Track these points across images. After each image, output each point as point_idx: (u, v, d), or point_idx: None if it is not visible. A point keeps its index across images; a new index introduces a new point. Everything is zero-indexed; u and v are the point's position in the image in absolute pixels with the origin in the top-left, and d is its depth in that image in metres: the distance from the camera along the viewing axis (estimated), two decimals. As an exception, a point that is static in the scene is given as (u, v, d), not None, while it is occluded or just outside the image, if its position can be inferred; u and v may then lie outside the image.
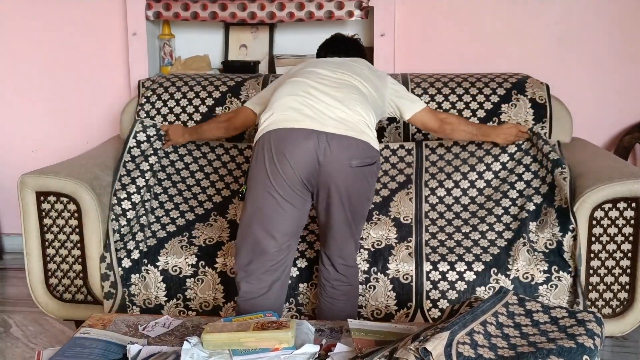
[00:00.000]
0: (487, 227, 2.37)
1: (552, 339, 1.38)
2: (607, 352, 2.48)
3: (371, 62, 3.07)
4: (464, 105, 2.75)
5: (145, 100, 2.87)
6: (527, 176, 2.48)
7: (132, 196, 2.45)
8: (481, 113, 2.74)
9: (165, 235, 2.41)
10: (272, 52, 3.28)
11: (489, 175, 2.54)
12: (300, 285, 2.28)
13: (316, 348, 1.47)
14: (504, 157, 2.55)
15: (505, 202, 2.45)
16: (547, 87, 2.76)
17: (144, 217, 2.44)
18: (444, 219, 2.46)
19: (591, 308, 2.24)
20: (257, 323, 1.50)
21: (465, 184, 2.55)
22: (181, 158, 2.71)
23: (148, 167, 2.55)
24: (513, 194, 2.46)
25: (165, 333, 1.71)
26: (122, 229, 2.36)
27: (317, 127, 1.94)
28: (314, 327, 1.70)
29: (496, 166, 2.55)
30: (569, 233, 2.19)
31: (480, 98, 2.76)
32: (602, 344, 1.42)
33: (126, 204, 2.42)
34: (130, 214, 2.41)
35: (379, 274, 2.25)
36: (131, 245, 2.34)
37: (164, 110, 2.84)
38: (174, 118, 2.84)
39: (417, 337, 1.38)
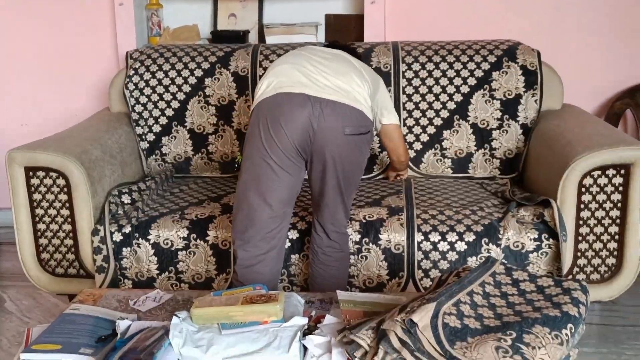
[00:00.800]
0: (477, 208, 2.37)
1: (538, 308, 1.40)
2: (596, 316, 2.51)
3: (361, 31, 3.07)
4: (454, 73, 2.74)
5: (133, 72, 2.84)
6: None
7: (133, 193, 2.51)
8: (472, 81, 2.73)
9: (158, 214, 2.41)
10: (261, 21, 3.24)
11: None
12: (292, 256, 2.29)
13: (305, 320, 1.48)
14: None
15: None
16: (539, 53, 2.74)
17: (140, 202, 2.47)
18: (433, 200, 2.47)
19: (580, 274, 2.26)
20: (245, 297, 1.51)
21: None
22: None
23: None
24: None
25: (156, 307, 1.72)
26: (117, 212, 2.39)
27: (312, 93, 1.94)
28: (304, 298, 1.72)
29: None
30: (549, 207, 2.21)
31: (471, 65, 2.74)
32: (586, 311, 1.44)
33: (126, 198, 2.48)
34: (126, 199, 2.47)
35: (370, 244, 2.26)
36: (123, 220, 2.35)
37: (153, 82, 2.82)
38: (163, 90, 2.81)
39: (404, 309, 1.39)
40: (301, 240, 2.29)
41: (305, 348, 1.43)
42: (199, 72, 2.81)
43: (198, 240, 2.31)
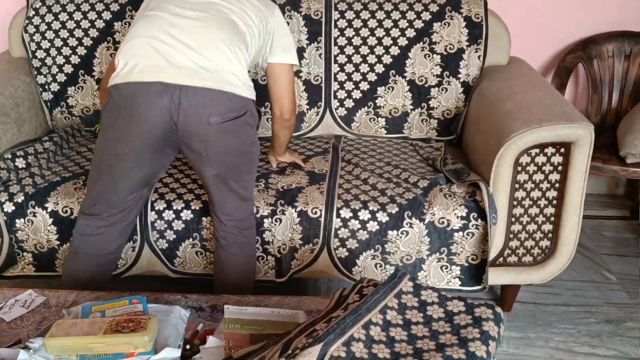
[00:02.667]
0: (405, 177, 2.17)
1: (441, 346, 1.23)
2: (527, 292, 2.39)
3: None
4: (392, 24, 2.47)
5: (33, 12, 2.51)
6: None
7: (29, 157, 2.23)
8: (410, 32, 2.47)
9: (59, 179, 2.15)
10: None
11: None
12: (204, 219, 2.06)
13: (177, 353, 1.29)
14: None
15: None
16: (485, 2, 2.48)
17: (37, 167, 2.20)
18: (359, 167, 2.26)
19: (511, 256, 2.10)
20: (111, 323, 1.30)
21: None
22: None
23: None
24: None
25: (23, 315, 1.51)
26: (9, 179, 2.13)
27: (169, 80, 1.68)
28: (193, 305, 1.53)
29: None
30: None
31: (411, 15, 2.47)
32: (498, 346, 1.27)
33: (20, 162, 2.20)
34: (20, 163, 2.20)
35: (286, 206, 2.05)
36: (15, 188, 2.10)
37: (55, 25, 2.50)
38: (67, 35, 2.50)
39: (288, 346, 1.21)
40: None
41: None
42: (107, 15, 2.49)
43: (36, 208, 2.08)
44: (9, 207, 2.07)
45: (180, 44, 1.73)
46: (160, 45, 1.73)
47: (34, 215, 2.08)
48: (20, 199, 2.07)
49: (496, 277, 2.13)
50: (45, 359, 1.26)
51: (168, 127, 1.72)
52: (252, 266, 2.00)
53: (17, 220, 2.08)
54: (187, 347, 1.37)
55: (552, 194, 2.03)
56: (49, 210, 2.08)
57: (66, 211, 2.07)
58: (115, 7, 2.50)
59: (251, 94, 1.83)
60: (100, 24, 2.50)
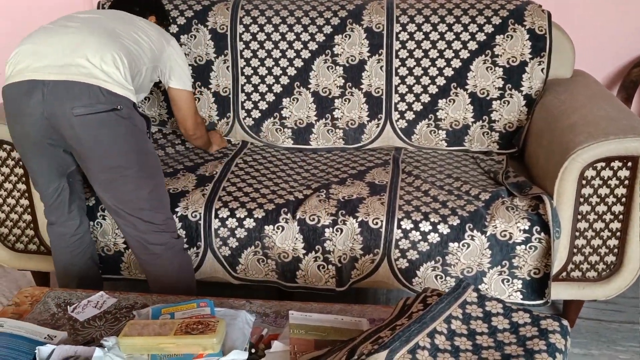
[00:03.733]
0: (466, 189, 2.17)
1: (507, 356, 1.22)
2: (590, 309, 2.34)
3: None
4: (454, 36, 2.48)
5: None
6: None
7: None
8: (473, 45, 2.47)
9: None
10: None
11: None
12: (266, 227, 2.07)
13: (244, 355, 1.32)
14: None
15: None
16: (549, 15, 2.46)
17: None
18: (420, 179, 2.26)
19: (575, 271, 2.07)
20: (181, 324, 1.34)
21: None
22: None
23: None
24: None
25: (95, 316, 1.57)
26: None
27: (37, 77, 1.76)
28: (258, 311, 1.56)
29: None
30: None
31: (473, 28, 2.47)
32: (564, 359, 1.26)
33: None
34: None
35: (347, 216, 2.07)
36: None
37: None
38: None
39: (354, 352, 1.22)
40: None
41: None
42: (173, 29, 2.57)
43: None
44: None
45: (53, 45, 1.81)
46: (35, 48, 1.82)
47: (104, 219, 2.15)
48: (91, 202, 2.15)
49: (559, 291, 2.09)
50: (119, 357, 1.31)
51: (42, 122, 1.78)
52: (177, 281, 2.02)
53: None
54: (253, 350, 1.40)
55: (618, 208, 1.99)
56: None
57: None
58: (181, 20, 2.58)
59: (127, 94, 1.84)
60: (168, 37, 2.58)
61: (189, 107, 2.23)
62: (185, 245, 2.09)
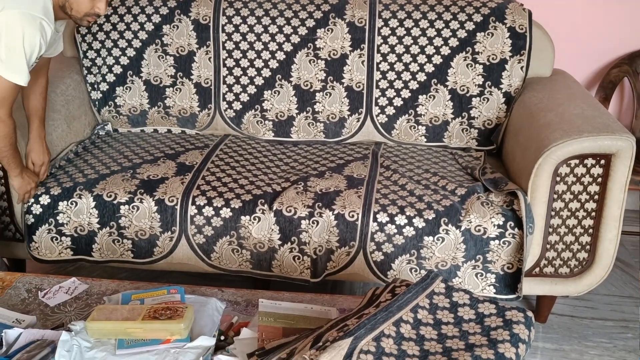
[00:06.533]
0: (443, 184, 2.19)
1: (471, 346, 1.24)
2: (564, 305, 2.37)
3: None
4: (435, 33, 2.49)
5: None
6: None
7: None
8: (454, 42, 2.48)
9: (108, 172, 2.25)
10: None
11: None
12: (242, 217, 2.10)
13: (211, 342, 1.33)
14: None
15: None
16: (530, 13, 2.48)
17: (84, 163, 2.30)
18: (398, 173, 2.28)
19: (547, 267, 2.09)
20: (150, 309, 1.35)
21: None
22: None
23: None
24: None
25: (66, 301, 1.57)
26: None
27: None
28: (229, 299, 1.57)
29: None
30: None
31: (454, 25, 2.49)
32: (528, 349, 1.28)
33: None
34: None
35: (323, 208, 2.08)
36: (64, 178, 2.19)
37: (107, 27, 2.59)
38: (118, 36, 2.58)
39: (319, 339, 1.23)
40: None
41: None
42: (156, 18, 2.57)
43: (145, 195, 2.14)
44: (55, 191, 2.14)
45: None
46: None
47: (79, 197, 2.14)
48: (69, 184, 2.15)
49: (532, 287, 2.12)
50: (86, 341, 1.31)
51: None
52: None
53: (60, 203, 2.14)
54: (222, 337, 1.41)
55: (591, 205, 2.02)
56: (94, 194, 2.14)
57: (110, 195, 2.13)
58: (164, 10, 2.57)
59: None
60: (149, 26, 2.57)
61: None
62: (160, 230, 2.09)
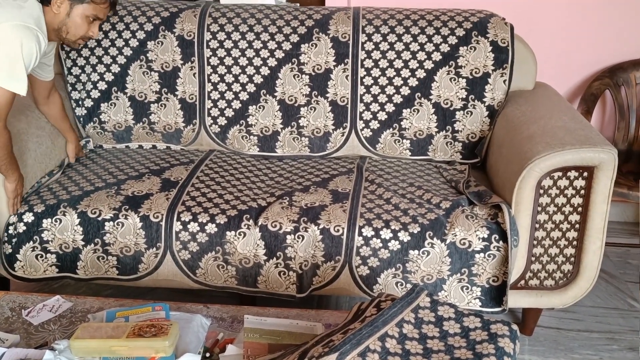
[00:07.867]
0: (427, 198, 2.20)
1: (456, 360, 1.24)
2: (550, 317, 2.38)
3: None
4: (418, 47, 2.51)
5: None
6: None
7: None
8: (437, 56, 2.50)
9: (93, 188, 2.23)
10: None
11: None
12: (228, 233, 2.10)
13: (197, 359, 1.32)
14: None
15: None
16: (512, 28, 2.50)
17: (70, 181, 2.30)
18: (383, 187, 2.28)
19: (533, 279, 2.10)
20: (134, 327, 1.34)
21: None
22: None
23: None
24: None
25: (50, 320, 1.55)
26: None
27: None
28: (215, 315, 1.56)
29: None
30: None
31: (437, 39, 2.51)
32: (513, 363, 1.28)
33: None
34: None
35: (309, 223, 2.08)
36: (48, 195, 2.18)
37: (91, 43, 2.58)
38: (102, 52, 2.58)
39: (305, 355, 1.23)
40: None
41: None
42: (141, 34, 2.57)
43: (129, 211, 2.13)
44: (39, 208, 2.13)
45: None
46: None
47: (64, 215, 2.13)
48: (52, 202, 2.14)
49: (517, 299, 2.12)
50: (70, 360, 1.30)
51: None
52: None
53: (44, 220, 2.13)
54: (207, 354, 1.40)
55: (574, 217, 2.03)
56: (78, 210, 2.13)
57: (95, 212, 2.12)
58: (149, 26, 2.58)
59: None
60: (134, 42, 2.57)
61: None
62: (145, 246, 2.08)
